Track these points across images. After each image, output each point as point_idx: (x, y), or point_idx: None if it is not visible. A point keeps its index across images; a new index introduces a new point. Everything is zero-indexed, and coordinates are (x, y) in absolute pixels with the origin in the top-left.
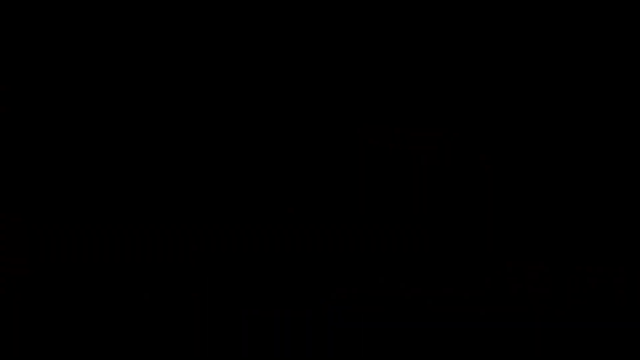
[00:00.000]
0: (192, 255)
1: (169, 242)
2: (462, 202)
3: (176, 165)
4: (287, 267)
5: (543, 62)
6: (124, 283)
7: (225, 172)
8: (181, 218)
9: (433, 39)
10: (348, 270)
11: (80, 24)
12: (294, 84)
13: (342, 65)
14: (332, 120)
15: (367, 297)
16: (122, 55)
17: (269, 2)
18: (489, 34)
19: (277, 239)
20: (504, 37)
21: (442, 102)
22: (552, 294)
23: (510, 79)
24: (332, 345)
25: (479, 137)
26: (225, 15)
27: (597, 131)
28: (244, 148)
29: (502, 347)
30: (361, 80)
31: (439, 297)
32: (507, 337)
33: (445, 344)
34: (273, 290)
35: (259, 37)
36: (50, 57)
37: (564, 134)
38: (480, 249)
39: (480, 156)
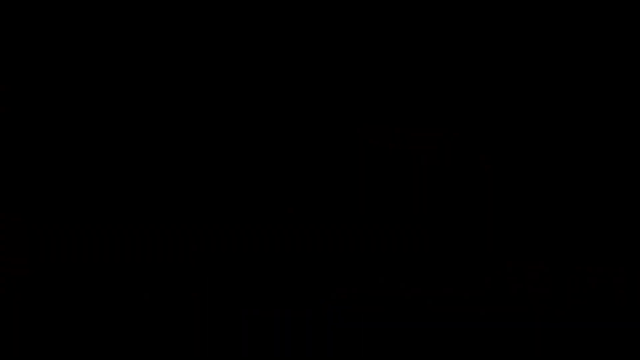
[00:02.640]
0: (192, 255)
1: (169, 242)
2: (462, 202)
3: (176, 165)
4: (287, 267)
5: (543, 62)
6: (124, 283)
7: (225, 172)
8: (181, 218)
9: (433, 39)
10: (348, 270)
11: (80, 24)
12: (294, 84)
13: (342, 65)
14: (332, 120)
15: (367, 297)
16: (122, 55)
17: (269, 2)
18: (489, 34)
19: (277, 239)
20: (504, 37)
21: (442, 102)
22: (552, 294)
23: (510, 79)
24: (332, 345)
25: (479, 137)
26: (225, 15)
27: (597, 131)
28: (244, 148)
29: (502, 347)
30: (361, 80)
31: (439, 297)
32: (507, 337)
33: (445, 344)
34: (273, 290)
35: (259, 37)
36: (50, 57)
37: (564, 134)
38: (480, 249)
39: (480, 156)
